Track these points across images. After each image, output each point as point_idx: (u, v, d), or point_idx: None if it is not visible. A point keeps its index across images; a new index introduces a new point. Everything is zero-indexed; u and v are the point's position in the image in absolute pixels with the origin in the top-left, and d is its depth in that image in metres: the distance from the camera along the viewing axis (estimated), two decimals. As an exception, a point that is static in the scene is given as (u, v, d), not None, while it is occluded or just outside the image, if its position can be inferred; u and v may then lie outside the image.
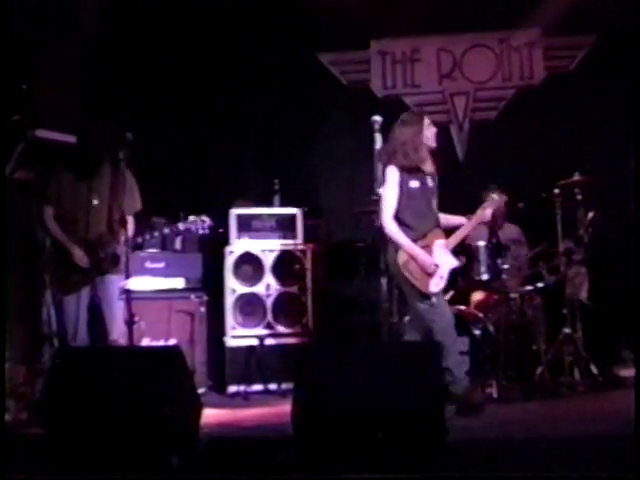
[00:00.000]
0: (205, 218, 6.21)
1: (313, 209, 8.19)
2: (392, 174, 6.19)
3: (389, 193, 6.19)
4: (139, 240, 6.30)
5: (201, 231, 6.23)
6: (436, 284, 6.14)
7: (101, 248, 6.11)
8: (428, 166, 6.32)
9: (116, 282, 6.13)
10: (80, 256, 6.09)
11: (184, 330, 7.39)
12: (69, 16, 8.19)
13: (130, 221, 6.20)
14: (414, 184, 6.22)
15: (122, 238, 6.01)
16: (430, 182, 6.33)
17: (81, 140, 6.35)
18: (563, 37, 8.60)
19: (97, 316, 6.16)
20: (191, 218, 6.23)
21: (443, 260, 6.19)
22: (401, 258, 6.15)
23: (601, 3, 8.06)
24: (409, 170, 6.23)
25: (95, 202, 6.19)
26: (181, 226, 6.22)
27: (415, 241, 6.16)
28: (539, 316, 7.08)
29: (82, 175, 6.24)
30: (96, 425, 4.51)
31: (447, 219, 6.49)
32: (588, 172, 7.08)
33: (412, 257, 6.13)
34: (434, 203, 6.35)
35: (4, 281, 5.97)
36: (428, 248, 6.19)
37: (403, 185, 6.19)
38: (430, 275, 6.13)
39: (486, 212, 6.45)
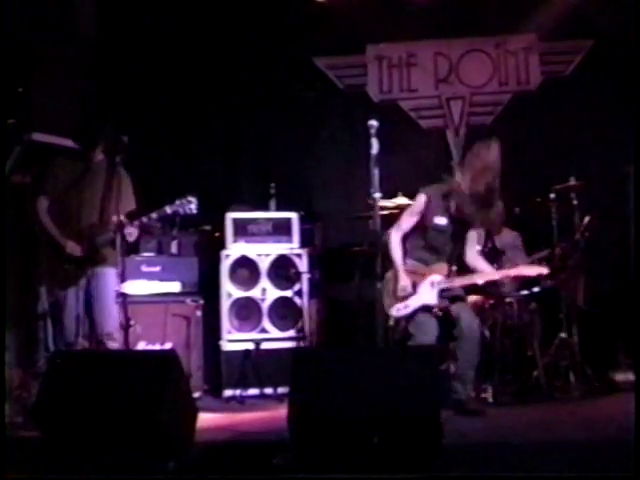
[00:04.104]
0: (191, 198, 6.16)
1: (309, 213, 8.20)
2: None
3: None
4: (136, 224, 6.21)
5: (188, 211, 6.18)
6: (397, 309, 6.30)
7: (92, 238, 6.11)
8: None
9: (110, 274, 6.13)
10: (71, 246, 6.10)
11: (180, 334, 7.38)
12: (66, 19, 8.19)
13: (123, 219, 6.19)
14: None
15: (113, 227, 6.02)
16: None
17: (77, 135, 6.34)
18: (559, 42, 8.60)
19: (92, 309, 6.16)
20: (177, 200, 6.18)
21: (423, 294, 6.29)
22: (389, 274, 6.38)
23: (597, 8, 8.07)
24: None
25: (89, 195, 6.20)
26: (168, 209, 6.17)
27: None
28: (535, 320, 7.07)
29: (78, 169, 6.26)
30: (91, 429, 4.51)
31: (476, 261, 6.60)
32: (584, 177, 7.09)
33: (394, 276, 6.36)
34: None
35: (4, 284, 5.96)
36: (421, 276, 6.35)
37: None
38: (397, 298, 6.30)
39: (502, 273, 6.59)
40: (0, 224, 6.14)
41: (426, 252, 6.44)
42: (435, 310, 6.29)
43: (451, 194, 6.39)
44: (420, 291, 6.30)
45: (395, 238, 6.44)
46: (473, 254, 6.62)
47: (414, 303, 6.28)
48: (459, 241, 6.53)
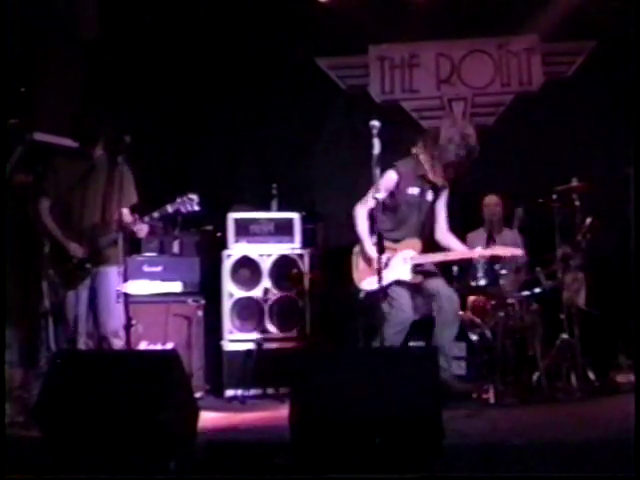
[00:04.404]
0: (192, 196, 6.11)
1: (311, 214, 8.19)
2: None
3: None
4: (146, 219, 6.20)
5: (190, 209, 6.16)
6: (369, 283, 6.21)
7: (95, 239, 6.10)
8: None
9: (113, 273, 6.11)
10: (74, 248, 6.09)
11: (181, 334, 7.39)
12: (67, 19, 8.20)
13: (126, 213, 6.19)
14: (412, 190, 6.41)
15: (116, 226, 6.01)
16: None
17: (77, 134, 6.33)
18: (561, 43, 8.61)
19: (96, 308, 6.16)
20: (178, 198, 6.16)
21: (395, 268, 6.26)
22: (357, 247, 6.41)
23: (600, 9, 8.07)
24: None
25: (92, 193, 6.19)
26: (170, 208, 6.14)
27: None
28: (536, 321, 7.06)
29: (81, 169, 6.24)
30: (93, 429, 4.51)
31: (447, 238, 6.60)
32: (586, 178, 7.08)
33: (362, 248, 6.32)
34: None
35: (4, 284, 5.96)
36: (392, 251, 6.31)
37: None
38: (371, 272, 6.14)
39: (477, 252, 6.60)
40: (0, 224, 6.14)
41: (396, 231, 6.40)
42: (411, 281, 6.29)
43: (421, 163, 6.44)
44: (392, 265, 6.27)
45: (361, 213, 6.37)
46: (443, 230, 6.61)
47: (386, 277, 6.14)
48: (430, 214, 6.52)
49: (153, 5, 8.65)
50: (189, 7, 8.61)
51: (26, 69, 7.67)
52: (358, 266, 6.34)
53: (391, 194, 6.38)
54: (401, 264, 6.28)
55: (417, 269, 6.36)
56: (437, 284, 6.41)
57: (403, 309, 6.18)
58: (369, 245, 6.28)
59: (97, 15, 8.53)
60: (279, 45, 8.76)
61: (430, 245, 6.56)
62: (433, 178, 6.46)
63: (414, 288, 6.32)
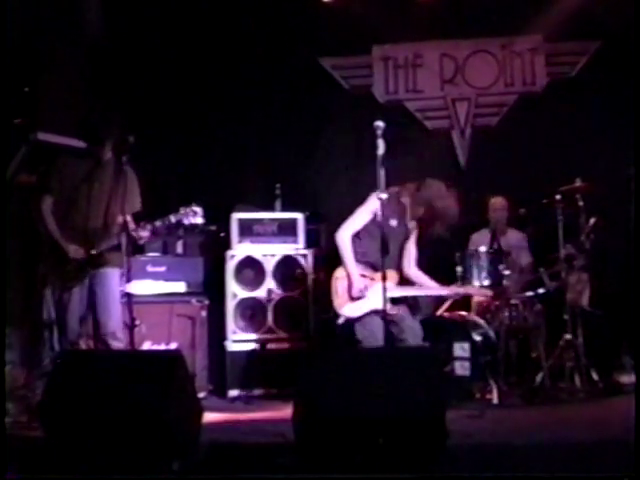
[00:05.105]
0: (196, 208, 6.12)
1: (314, 214, 8.18)
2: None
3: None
4: (149, 228, 6.19)
5: (193, 220, 6.16)
6: (350, 309, 6.31)
7: (96, 242, 6.09)
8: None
9: (113, 275, 6.11)
10: (74, 249, 6.06)
11: (185, 334, 7.38)
12: (72, 19, 8.20)
13: (129, 221, 6.17)
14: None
15: (117, 230, 6.00)
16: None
17: (83, 134, 6.31)
18: (565, 43, 8.62)
19: (95, 309, 6.15)
20: (182, 209, 6.16)
21: (374, 298, 6.16)
22: (339, 272, 6.40)
23: (603, 9, 8.07)
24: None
25: (97, 193, 6.16)
26: (173, 218, 6.13)
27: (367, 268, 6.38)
28: (540, 322, 7.07)
29: (86, 168, 6.21)
30: (96, 428, 4.51)
31: (417, 274, 6.69)
32: (590, 178, 7.08)
33: (347, 275, 6.34)
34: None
35: (4, 283, 5.96)
36: (370, 280, 6.34)
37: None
38: (351, 299, 6.32)
39: (452, 290, 6.77)
40: (0, 224, 6.13)
41: (375, 255, 6.20)
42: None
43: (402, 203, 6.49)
44: (371, 295, 6.26)
45: (346, 237, 6.36)
46: (413, 267, 6.69)
47: (366, 306, 6.25)
48: (401, 249, 6.58)
49: (158, 5, 8.65)
50: (194, 7, 8.61)
51: (30, 68, 7.66)
52: (338, 291, 6.34)
53: (372, 220, 6.28)
54: (379, 294, 5.99)
55: (394, 301, 6.28)
56: (403, 314, 6.40)
57: (377, 339, 6.10)
58: (356, 276, 6.32)
59: (102, 14, 8.53)
60: (283, 45, 8.76)
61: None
62: (412, 216, 6.55)
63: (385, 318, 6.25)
